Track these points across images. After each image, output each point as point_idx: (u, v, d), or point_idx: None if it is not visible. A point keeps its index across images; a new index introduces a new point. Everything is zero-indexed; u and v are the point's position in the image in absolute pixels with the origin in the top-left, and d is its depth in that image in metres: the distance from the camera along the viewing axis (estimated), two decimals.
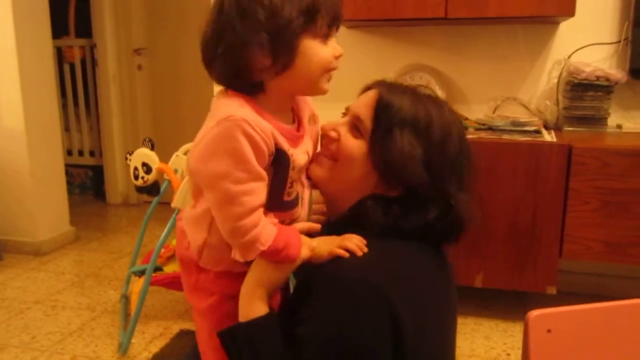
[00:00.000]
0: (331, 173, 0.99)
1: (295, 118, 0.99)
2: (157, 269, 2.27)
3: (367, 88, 1.04)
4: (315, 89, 0.93)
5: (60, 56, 4.54)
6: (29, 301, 2.65)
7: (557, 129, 2.48)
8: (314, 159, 1.01)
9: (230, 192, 0.84)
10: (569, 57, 2.53)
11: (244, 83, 0.89)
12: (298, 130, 0.97)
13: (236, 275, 0.97)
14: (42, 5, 3.29)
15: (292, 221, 1.00)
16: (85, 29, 4.44)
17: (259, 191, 0.87)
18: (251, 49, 0.85)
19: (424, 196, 0.94)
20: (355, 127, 0.98)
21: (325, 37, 0.89)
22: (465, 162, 0.99)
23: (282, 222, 0.95)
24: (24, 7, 3.14)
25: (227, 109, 0.86)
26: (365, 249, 0.90)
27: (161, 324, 2.41)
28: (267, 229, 0.88)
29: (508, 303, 2.50)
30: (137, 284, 2.25)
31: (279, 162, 0.90)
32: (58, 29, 3.94)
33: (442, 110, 0.98)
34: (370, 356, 0.87)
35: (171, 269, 2.31)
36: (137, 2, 4.28)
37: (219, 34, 0.87)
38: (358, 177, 0.97)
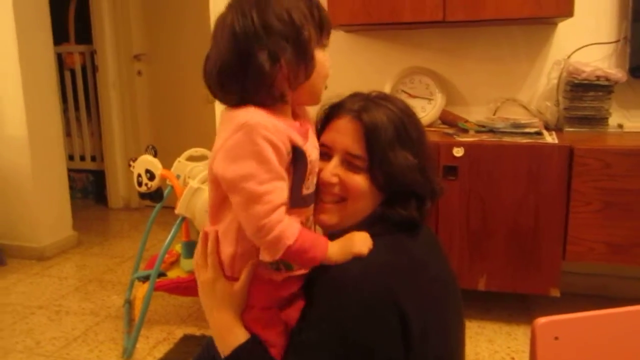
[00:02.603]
0: (343, 214, 1.01)
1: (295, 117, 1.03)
2: (161, 274, 2.28)
3: (327, 114, 1.06)
4: (317, 97, 0.99)
5: (60, 62, 4.55)
6: (33, 306, 2.66)
7: (558, 129, 2.49)
8: (320, 210, 1.03)
9: (255, 192, 0.88)
10: (568, 57, 2.53)
11: (264, 98, 0.91)
12: (301, 126, 1.00)
13: (274, 284, 1.00)
14: (43, 13, 3.31)
15: (308, 220, 1.02)
16: (85, 35, 4.46)
17: (281, 190, 0.90)
18: (280, 65, 0.89)
19: (421, 193, 1.01)
20: (350, 163, 1.00)
21: (325, 47, 0.97)
22: (427, 141, 1.06)
23: (303, 221, 0.98)
24: (26, 15, 3.16)
25: (243, 116, 0.89)
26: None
27: (165, 328, 2.41)
28: (292, 226, 0.91)
29: (511, 306, 2.50)
30: (141, 289, 2.26)
31: (297, 159, 0.94)
32: (58, 36, 3.95)
33: (399, 104, 1.04)
34: (380, 355, 0.88)
35: (175, 274, 2.32)
36: (136, 8, 4.29)
37: (241, 55, 0.89)
38: (370, 204, 1.01)
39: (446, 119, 2.63)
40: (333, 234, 1.01)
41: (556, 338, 0.91)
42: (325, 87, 1.00)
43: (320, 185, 1.01)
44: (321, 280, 0.94)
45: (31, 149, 3.22)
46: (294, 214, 0.95)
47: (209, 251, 1.01)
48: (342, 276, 0.91)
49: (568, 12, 2.25)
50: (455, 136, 2.33)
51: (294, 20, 0.90)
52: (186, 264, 2.28)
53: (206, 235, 1.03)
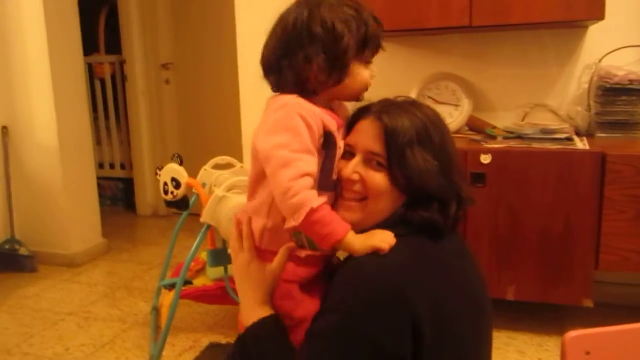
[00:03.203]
0: (364, 212, 1.02)
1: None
2: (187, 282, 2.29)
3: (357, 116, 1.10)
4: (353, 100, 1.09)
5: (91, 72, 4.64)
6: (62, 312, 2.70)
7: (589, 135, 2.43)
8: (341, 207, 1.05)
9: (286, 158, 0.95)
10: (599, 61, 2.48)
11: (300, 90, 1.02)
12: (335, 118, 1.07)
13: (297, 259, 1.06)
14: (73, 24, 3.37)
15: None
16: (114, 45, 4.53)
17: (309, 161, 0.97)
18: (312, 66, 1.00)
19: (444, 196, 1.01)
20: (370, 161, 1.02)
21: (368, 62, 1.05)
22: (454, 148, 1.07)
23: (330, 204, 1.03)
24: (57, 27, 3.23)
25: (284, 98, 1.01)
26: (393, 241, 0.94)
27: (191, 336, 2.42)
28: (315, 194, 0.96)
29: (542, 315, 2.44)
30: (167, 297, 2.27)
31: (328, 144, 1.02)
32: (89, 46, 4.02)
33: (425, 110, 1.06)
34: (385, 353, 0.88)
35: (200, 282, 2.33)
36: (164, 18, 4.35)
37: (286, 48, 1.02)
38: (390, 204, 1.02)
39: (473, 125, 2.59)
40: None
41: (587, 353, 0.88)
42: (360, 99, 1.08)
43: (342, 183, 1.04)
44: (339, 273, 0.98)
45: (62, 158, 3.28)
46: (321, 196, 0.99)
47: (244, 235, 1.08)
48: (358, 271, 0.93)
49: (599, 14, 2.20)
50: (482, 143, 2.29)
51: (336, 30, 0.99)
52: (212, 272, 2.28)
53: (238, 220, 1.10)
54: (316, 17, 0.99)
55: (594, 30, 2.51)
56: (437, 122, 1.05)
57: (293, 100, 0.99)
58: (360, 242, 0.95)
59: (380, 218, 1.02)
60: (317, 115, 0.99)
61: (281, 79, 1.03)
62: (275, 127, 0.99)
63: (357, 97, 1.08)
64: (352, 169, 1.03)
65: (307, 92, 1.02)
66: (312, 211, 0.94)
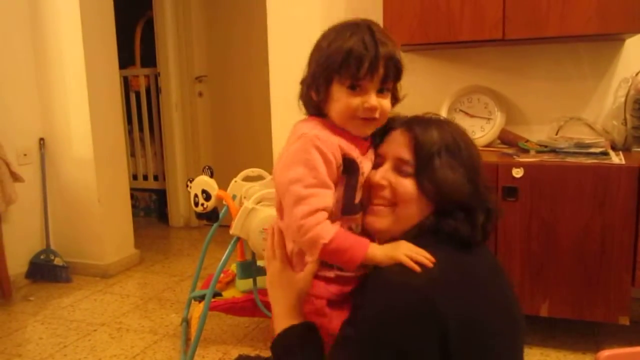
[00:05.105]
0: (393, 217, 1.03)
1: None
2: (217, 294, 2.29)
3: (388, 128, 1.10)
4: (351, 129, 1.04)
5: (127, 85, 4.74)
6: (95, 323, 2.74)
7: (626, 150, 2.37)
8: (370, 212, 1.06)
9: (300, 194, 0.98)
10: (636, 74, 2.42)
11: (309, 108, 1.08)
12: (363, 142, 1.07)
13: (326, 279, 1.07)
14: (109, 38, 3.45)
15: (358, 227, 1.07)
16: (150, 58, 4.62)
17: (324, 196, 0.99)
18: (306, 86, 1.05)
19: (471, 206, 1.01)
20: (399, 168, 1.04)
21: (353, 87, 1.00)
22: (481, 162, 1.07)
23: (352, 227, 1.06)
24: (94, 40, 3.32)
25: (303, 128, 1.03)
26: (432, 260, 0.92)
27: (220, 348, 2.43)
28: (328, 227, 0.98)
29: (577, 333, 2.38)
30: (197, 308, 2.28)
31: (349, 170, 1.02)
32: (125, 59, 4.11)
33: (453, 126, 1.08)
34: None
35: (230, 294, 2.34)
36: (198, 31, 4.43)
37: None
38: (418, 212, 1.02)
39: (506, 138, 2.55)
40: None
41: None
42: (370, 131, 1.05)
43: (371, 188, 1.05)
44: (369, 281, 0.98)
45: (97, 170, 3.35)
46: (345, 220, 1.03)
47: (276, 244, 1.11)
48: (387, 281, 0.94)
49: (636, 28, 2.16)
50: (514, 156, 2.26)
51: (321, 55, 1.02)
52: (241, 284, 2.29)
53: (273, 230, 1.13)
54: (321, 42, 1.04)
55: (631, 44, 2.47)
56: (464, 136, 1.07)
57: (311, 132, 1.00)
58: (383, 254, 0.96)
59: (408, 225, 1.02)
60: (335, 145, 1.00)
61: (303, 103, 1.09)
62: (292, 160, 1.00)
63: (352, 129, 1.03)
64: (381, 175, 1.04)
65: (322, 115, 1.05)
66: (326, 245, 0.96)
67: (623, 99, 2.44)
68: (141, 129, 4.81)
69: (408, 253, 0.93)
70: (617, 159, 2.15)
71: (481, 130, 2.58)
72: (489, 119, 2.59)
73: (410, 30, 2.40)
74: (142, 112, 4.77)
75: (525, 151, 2.34)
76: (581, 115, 2.56)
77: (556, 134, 2.53)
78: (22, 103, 3.30)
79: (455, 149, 1.03)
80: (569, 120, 2.55)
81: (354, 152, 1.03)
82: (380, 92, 1.02)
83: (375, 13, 2.43)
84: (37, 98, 3.36)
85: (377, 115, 1.02)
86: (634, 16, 2.14)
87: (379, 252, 0.96)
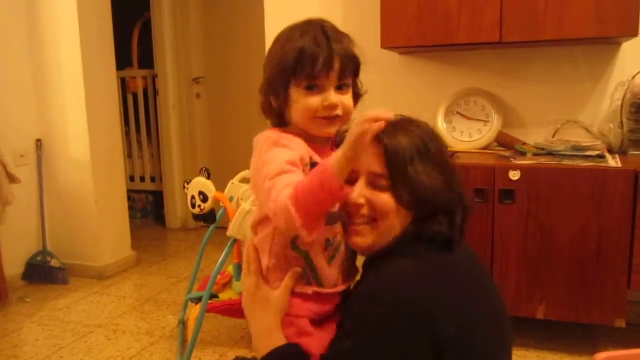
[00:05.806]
0: (376, 233, 1.01)
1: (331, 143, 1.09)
2: (213, 296, 2.29)
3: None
4: (312, 131, 1.03)
5: (124, 86, 4.74)
6: (92, 325, 2.73)
7: (622, 153, 2.38)
8: (353, 234, 1.03)
9: (267, 187, 0.94)
10: (632, 78, 2.43)
11: (271, 117, 1.06)
12: (332, 149, 1.05)
13: (304, 296, 1.06)
14: (107, 40, 3.45)
15: (335, 237, 1.07)
16: (147, 60, 4.62)
17: (289, 177, 0.94)
18: (264, 93, 1.05)
19: (449, 208, 1.01)
20: (374, 183, 1.01)
21: (311, 88, 1.00)
22: (451, 159, 1.07)
23: (330, 239, 1.06)
24: (91, 42, 3.31)
25: (263, 134, 1.03)
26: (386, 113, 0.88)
27: (217, 350, 2.43)
28: (289, 189, 0.92)
29: (574, 335, 2.39)
30: (194, 310, 2.28)
31: None
32: (122, 61, 4.11)
33: (420, 125, 1.05)
34: None
35: (227, 296, 2.33)
36: (196, 33, 4.43)
37: None
38: (399, 222, 1.00)
39: (503, 141, 2.56)
40: (371, 257, 1.03)
41: None
42: (344, 131, 1.00)
43: (350, 208, 1.02)
44: (358, 292, 0.98)
45: (94, 171, 3.34)
46: (324, 232, 1.01)
47: (252, 259, 1.09)
48: (375, 286, 0.94)
49: (632, 31, 2.17)
50: (511, 159, 2.26)
51: (275, 58, 1.02)
52: (238, 285, 2.29)
53: (248, 247, 1.12)
54: (274, 44, 1.06)
55: (628, 47, 2.47)
56: (432, 135, 1.04)
57: (273, 135, 1.01)
58: (345, 150, 0.88)
59: (392, 236, 1.00)
60: (301, 144, 1.00)
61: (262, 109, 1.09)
62: (259, 164, 0.99)
63: (314, 130, 1.02)
64: (357, 193, 1.00)
65: (281, 121, 1.05)
66: (297, 201, 0.90)
67: (620, 103, 2.45)
68: (138, 131, 4.80)
69: (358, 128, 0.87)
70: (613, 162, 2.16)
71: (478, 133, 2.59)
72: (486, 121, 2.60)
73: (407, 33, 2.41)
74: (139, 114, 4.76)
75: (523, 154, 2.34)
76: (578, 118, 2.57)
77: (553, 137, 2.54)
78: (19, 104, 3.29)
79: (425, 152, 1.00)
80: (566, 123, 2.56)
81: (316, 158, 1.02)
82: (339, 89, 1.01)
83: (372, 16, 2.45)
84: (34, 99, 3.35)
85: (339, 112, 1.01)
86: (630, 20, 2.15)
87: (340, 154, 0.89)
